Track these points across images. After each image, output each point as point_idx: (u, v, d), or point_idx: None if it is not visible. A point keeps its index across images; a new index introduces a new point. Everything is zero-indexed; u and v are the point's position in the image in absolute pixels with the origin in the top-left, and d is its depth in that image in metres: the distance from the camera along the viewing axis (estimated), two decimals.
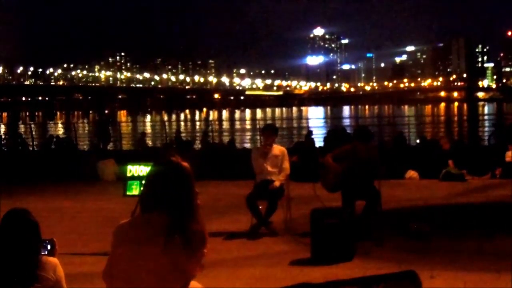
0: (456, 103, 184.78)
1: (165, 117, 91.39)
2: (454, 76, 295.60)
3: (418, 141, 23.37)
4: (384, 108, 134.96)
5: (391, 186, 13.89)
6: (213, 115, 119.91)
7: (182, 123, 63.79)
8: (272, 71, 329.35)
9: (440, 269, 7.91)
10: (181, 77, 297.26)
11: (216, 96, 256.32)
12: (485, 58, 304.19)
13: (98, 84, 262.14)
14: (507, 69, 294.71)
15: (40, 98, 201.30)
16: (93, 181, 18.67)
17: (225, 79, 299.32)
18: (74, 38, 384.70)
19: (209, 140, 25.29)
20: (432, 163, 17.46)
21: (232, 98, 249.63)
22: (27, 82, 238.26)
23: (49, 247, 4.58)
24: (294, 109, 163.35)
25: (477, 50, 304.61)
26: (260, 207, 10.55)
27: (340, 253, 8.56)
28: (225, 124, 60.08)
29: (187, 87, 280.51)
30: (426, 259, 8.50)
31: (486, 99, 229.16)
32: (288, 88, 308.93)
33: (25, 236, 4.32)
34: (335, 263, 8.36)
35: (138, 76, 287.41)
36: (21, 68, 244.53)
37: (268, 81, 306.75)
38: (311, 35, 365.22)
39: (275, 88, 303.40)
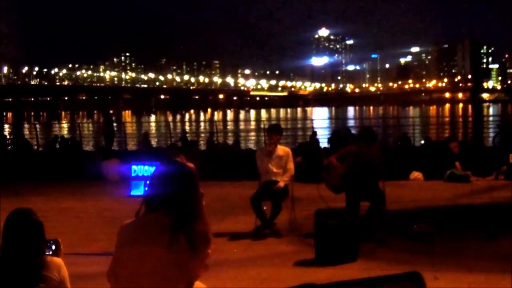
0: (461, 104, 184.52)
1: (170, 118, 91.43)
2: (459, 77, 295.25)
3: (422, 142, 23.35)
4: (389, 109, 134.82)
5: (396, 187, 13.89)
6: (217, 115, 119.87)
7: (187, 124, 63.83)
8: (277, 72, 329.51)
9: (444, 270, 7.90)
10: (186, 77, 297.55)
11: (221, 96, 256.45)
12: (490, 59, 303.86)
13: (102, 84, 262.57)
14: None
15: (45, 98, 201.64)
16: (98, 181, 18.67)
17: (230, 80, 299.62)
18: (79, 38, 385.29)
19: (214, 140, 25.30)
20: (437, 164, 17.43)
21: (236, 98, 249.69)
22: (32, 82, 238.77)
23: (53, 247, 4.59)
24: (299, 109, 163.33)
25: (482, 51, 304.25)
26: (265, 208, 10.55)
27: (344, 254, 8.55)
28: (230, 125, 60.03)
29: (191, 87, 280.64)
30: (430, 260, 8.49)
31: (491, 100, 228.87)
32: (293, 89, 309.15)
33: (30, 236, 4.33)
34: (339, 264, 8.35)
35: (143, 76, 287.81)
36: (26, 68, 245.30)
37: (273, 82, 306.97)
38: (316, 36, 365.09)
39: (280, 88, 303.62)
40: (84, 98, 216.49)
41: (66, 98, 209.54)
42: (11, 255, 4.25)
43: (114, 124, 27.92)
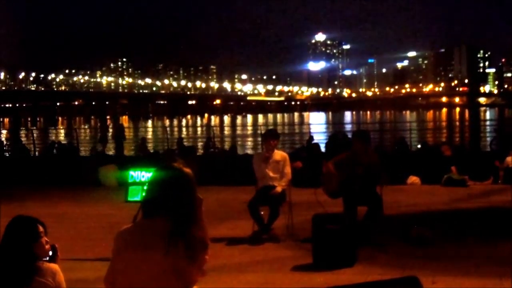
0: (457, 109, 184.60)
1: (167, 123, 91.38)
2: (456, 82, 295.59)
3: (419, 146, 23.32)
4: (386, 114, 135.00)
5: (393, 192, 13.86)
6: (214, 120, 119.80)
7: (184, 129, 63.81)
8: (274, 77, 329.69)
9: (442, 275, 7.90)
10: (183, 82, 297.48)
11: (218, 101, 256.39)
12: (487, 63, 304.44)
13: (99, 90, 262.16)
14: (509, 75, 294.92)
15: (42, 103, 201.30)
16: (95, 186, 18.64)
17: (226, 85, 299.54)
18: (76, 44, 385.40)
19: (211, 145, 25.27)
20: (434, 169, 17.43)
21: (233, 103, 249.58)
22: (29, 88, 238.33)
23: (50, 252, 4.58)
24: (296, 114, 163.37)
25: (478, 55, 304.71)
26: (262, 213, 10.54)
27: (341, 259, 8.54)
28: (227, 130, 59.99)
29: (188, 92, 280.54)
30: (428, 264, 8.50)
31: (488, 104, 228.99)
32: (289, 94, 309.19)
33: (28, 243, 4.34)
34: (337, 269, 8.34)
35: (140, 81, 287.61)
36: (23, 74, 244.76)
37: (270, 87, 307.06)
38: (313, 41, 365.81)
39: (276, 93, 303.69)
40: (81, 103, 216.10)
41: (62, 104, 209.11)
42: (6, 259, 4.26)
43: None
